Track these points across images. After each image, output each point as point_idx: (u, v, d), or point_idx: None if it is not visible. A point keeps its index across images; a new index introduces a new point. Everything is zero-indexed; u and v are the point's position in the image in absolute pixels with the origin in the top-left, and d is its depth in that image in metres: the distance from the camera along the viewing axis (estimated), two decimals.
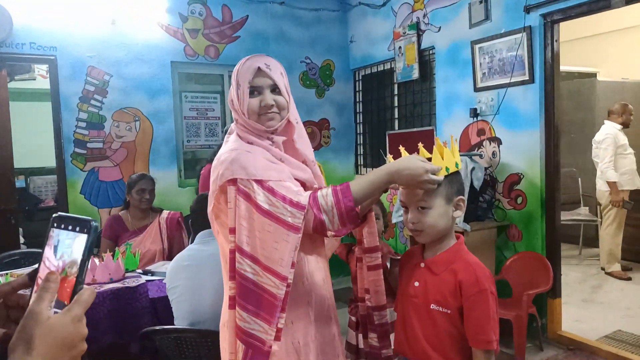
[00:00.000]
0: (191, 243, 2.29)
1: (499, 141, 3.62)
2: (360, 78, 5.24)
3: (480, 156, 3.65)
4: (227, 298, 1.34)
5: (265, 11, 4.73)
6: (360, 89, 5.25)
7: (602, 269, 4.83)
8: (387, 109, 4.91)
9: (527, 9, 3.31)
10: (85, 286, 0.67)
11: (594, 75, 5.99)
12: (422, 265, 1.40)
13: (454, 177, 1.36)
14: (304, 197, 1.28)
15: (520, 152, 3.48)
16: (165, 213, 3.26)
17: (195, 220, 2.21)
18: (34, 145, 5.43)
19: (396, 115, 4.79)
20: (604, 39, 6.01)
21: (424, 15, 4.18)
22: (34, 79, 5.61)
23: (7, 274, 2.58)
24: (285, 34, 4.85)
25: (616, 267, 4.65)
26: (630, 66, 5.91)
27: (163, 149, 4.32)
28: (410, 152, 1.39)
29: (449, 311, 1.31)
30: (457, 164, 1.36)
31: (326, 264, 1.52)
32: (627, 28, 5.73)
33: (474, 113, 3.74)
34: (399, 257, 2.23)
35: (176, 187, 4.37)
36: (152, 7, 4.21)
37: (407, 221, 1.37)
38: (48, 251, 0.67)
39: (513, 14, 3.42)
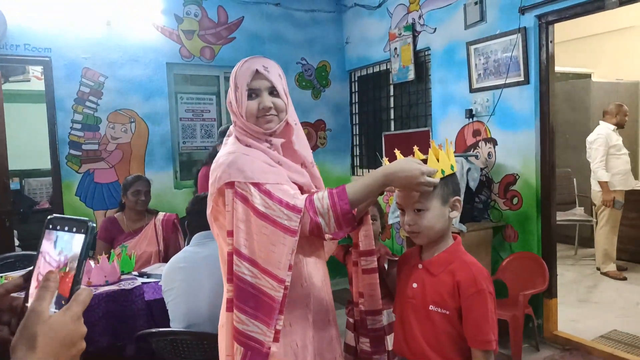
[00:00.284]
0: (187, 245, 2.28)
1: (494, 142, 3.63)
2: (356, 79, 5.24)
3: (476, 157, 3.66)
4: (225, 300, 1.34)
5: (260, 12, 4.73)
6: (356, 90, 5.26)
7: (598, 269, 4.85)
8: (383, 110, 4.92)
9: (522, 10, 3.32)
10: (82, 286, 0.67)
11: (588, 76, 6.03)
12: (420, 266, 1.40)
13: (449, 178, 1.36)
14: (300, 200, 1.28)
15: (516, 152, 3.49)
16: (161, 215, 3.25)
17: (191, 222, 2.21)
18: (28, 147, 5.41)
19: (392, 116, 4.80)
20: (599, 40, 6.04)
21: (420, 17, 4.19)
22: (29, 81, 5.59)
23: (1, 276, 2.57)
24: (281, 35, 4.85)
25: (611, 267, 4.68)
26: (624, 67, 5.94)
27: (159, 151, 4.31)
28: (405, 154, 1.39)
29: (447, 312, 1.31)
30: (452, 167, 1.36)
31: (325, 266, 1.52)
32: (621, 29, 5.76)
33: (470, 114, 3.75)
34: (396, 259, 2.23)
35: (172, 189, 4.36)
36: (148, 8, 4.20)
37: (404, 223, 1.37)
38: (48, 246, 0.67)
39: (508, 15, 3.44)
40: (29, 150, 5.46)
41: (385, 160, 1.42)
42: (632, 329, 3.48)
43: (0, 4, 3.61)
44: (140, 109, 4.23)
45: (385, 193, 1.38)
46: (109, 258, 2.59)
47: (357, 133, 5.29)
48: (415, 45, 4.25)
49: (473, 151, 3.76)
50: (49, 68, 3.89)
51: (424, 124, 4.40)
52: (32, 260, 0.69)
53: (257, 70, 1.37)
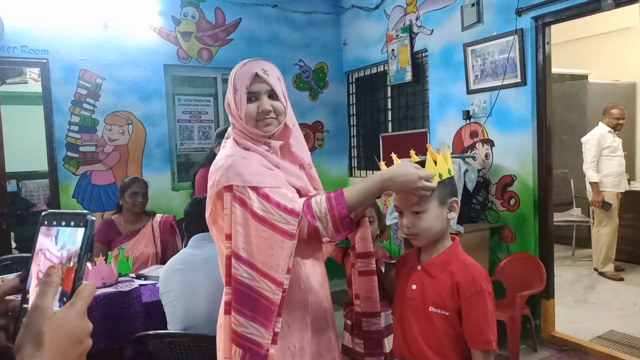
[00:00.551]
0: (184, 247, 2.28)
1: (491, 143, 3.64)
2: (354, 80, 5.25)
3: (473, 158, 3.67)
4: (224, 302, 1.34)
5: (258, 14, 4.73)
6: (354, 91, 5.26)
7: (595, 269, 4.86)
8: (381, 111, 4.92)
9: (519, 12, 3.33)
10: (85, 282, 0.65)
11: (585, 77, 6.05)
12: (419, 268, 1.40)
13: (447, 180, 1.37)
14: (298, 203, 1.29)
15: (513, 153, 3.49)
16: (158, 216, 3.24)
17: (189, 224, 2.21)
18: (25, 149, 5.39)
19: (389, 118, 4.81)
20: (595, 42, 6.07)
21: (417, 18, 4.20)
22: (26, 83, 5.57)
23: None
24: (279, 36, 4.85)
25: (609, 268, 4.68)
26: (621, 68, 5.97)
27: (156, 152, 4.31)
28: (403, 156, 1.40)
29: (447, 313, 1.31)
30: (450, 171, 1.37)
31: (323, 268, 1.52)
32: (618, 30, 5.78)
33: (467, 115, 3.76)
34: (393, 262, 2.23)
35: (169, 191, 4.36)
36: (145, 10, 4.20)
37: (402, 226, 1.38)
38: (48, 243, 0.65)
39: (505, 16, 3.45)
40: (26, 152, 5.44)
41: (382, 164, 1.42)
42: (629, 329, 3.49)
43: None
44: (138, 111, 4.22)
45: (381, 195, 1.39)
46: (106, 260, 2.59)
47: (355, 134, 5.30)
48: (412, 46, 4.26)
49: (470, 152, 3.77)
50: (46, 70, 3.88)
51: (421, 125, 4.40)
52: (29, 263, 0.66)
53: (256, 74, 1.37)
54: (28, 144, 5.32)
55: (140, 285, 2.55)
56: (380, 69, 4.80)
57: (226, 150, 1.41)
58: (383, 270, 1.92)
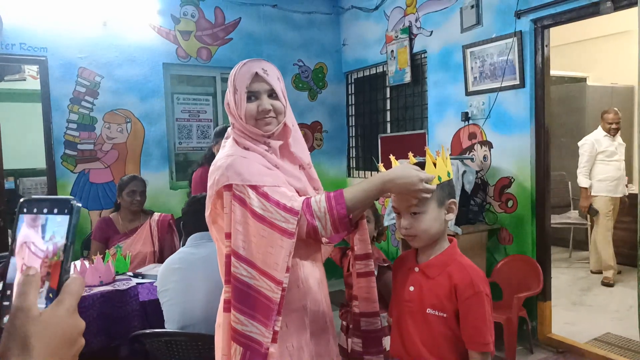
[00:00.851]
0: (182, 246, 2.28)
1: (490, 145, 3.65)
2: (353, 81, 5.25)
3: (472, 160, 3.67)
4: (223, 301, 1.35)
5: (257, 14, 4.73)
6: (353, 92, 5.27)
7: (592, 271, 4.87)
8: (379, 112, 4.93)
9: (518, 14, 3.34)
10: (72, 275, 0.59)
11: (583, 80, 6.06)
12: (417, 269, 1.40)
13: (445, 181, 1.37)
14: (297, 202, 1.29)
15: (511, 155, 3.50)
16: (156, 215, 3.24)
17: (187, 223, 2.21)
18: (23, 146, 5.38)
19: (388, 119, 4.81)
20: (594, 44, 6.08)
21: (416, 20, 4.21)
22: (24, 80, 5.56)
23: None
24: (278, 36, 4.85)
25: (607, 274, 4.64)
26: (619, 71, 5.97)
27: (154, 151, 4.30)
28: (401, 157, 1.40)
29: (445, 315, 1.32)
30: (449, 174, 1.37)
31: (322, 269, 1.52)
32: (616, 33, 5.79)
33: (465, 117, 3.77)
34: (386, 265, 2.23)
35: (167, 189, 4.35)
36: (144, 8, 4.20)
37: (400, 226, 1.38)
38: (33, 235, 0.58)
39: (504, 19, 3.45)
40: (24, 149, 5.43)
41: (380, 165, 1.42)
42: (625, 332, 3.50)
43: None
44: (136, 109, 4.22)
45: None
46: (103, 258, 2.59)
47: (354, 135, 5.30)
48: (411, 47, 4.26)
49: (468, 154, 3.78)
50: (45, 67, 3.87)
51: (420, 126, 4.41)
52: (9, 255, 0.60)
53: (256, 73, 1.38)
54: (26, 142, 5.31)
55: (137, 283, 2.54)
56: (380, 69, 4.80)
57: (226, 149, 1.41)
58: (376, 273, 1.93)
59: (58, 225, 0.58)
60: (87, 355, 2.31)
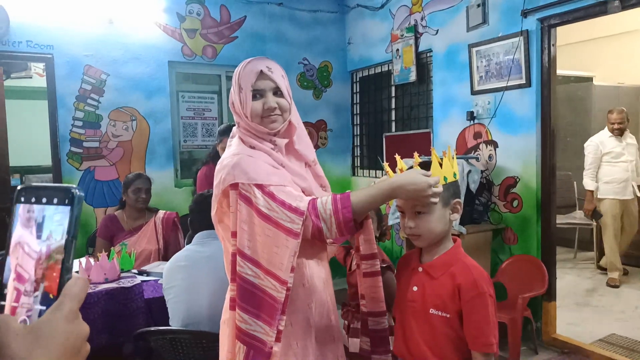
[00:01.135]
0: (187, 244, 2.28)
1: (495, 144, 3.63)
2: (358, 80, 5.24)
3: (477, 159, 3.66)
4: (229, 298, 1.36)
5: (263, 12, 4.73)
6: (358, 90, 5.26)
7: (598, 266, 4.83)
8: (384, 111, 4.92)
9: (525, 13, 3.32)
10: (75, 274, 0.53)
11: (590, 79, 6.02)
12: (420, 269, 1.40)
13: (451, 182, 1.37)
14: (303, 203, 1.29)
15: (517, 155, 3.49)
16: (161, 213, 3.25)
17: (194, 221, 2.20)
18: (29, 143, 5.41)
19: (393, 118, 4.80)
20: (601, 44, 6.05)
21: (422, 18, 4.19)
22: (31, 77, 5.59)
23: None
24: (283, 35, 4.85)
25: (613, 275, 4.61)
26: (626, 71, 5.94)
27: (159, 149, 4.31)
28: (406, 156, 1.39)
29: (448, 315, 1.31)
30: (455, 174, 1.37)
31: (327, 268, 1.52)
32: (623, 33, 5.76)
33: (471, 116, 3.75)
34: (386, 265, 2.23)
35: (172, 187, 4.36)
36: (150, 6, 4.21)
37: (404, 226, 1.37)
38: (28, 235, 0.52)
39: (510, 18, 3.44)
40: (30, 147, 5.46)
41: (386, 164, 1.42)
42: (631, 333, 3.48)
43: (3, 1, 3.61)
44: (142, 107, 4.23)
45: None
46: (108, 256, 2.60)
47: (358, 134, 5.29)
48: (417, 46, 4.25)
49: (474, 153, 3.76)
50: (51, 65, 3.89)
51: (425, 125, 4.40)
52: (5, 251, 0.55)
53: (261, 71, 1.38)
54: (32, 139, 5.34)
55: (142, 281, 2.55)
56: (385, 68, 4.79)
57: (232, 148, 1.41)
58: None
59: (57, 224, 0.52)
60: (92, 352, 2.32)
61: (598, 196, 4.59)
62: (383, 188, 1.29)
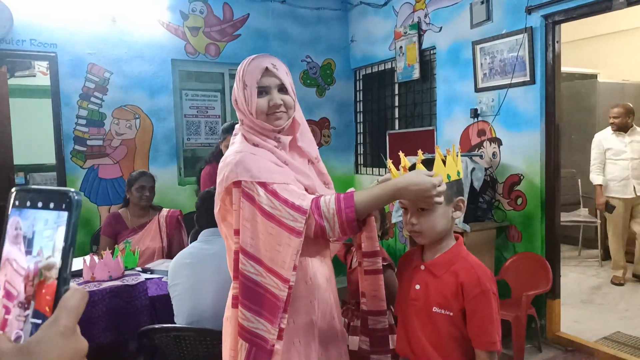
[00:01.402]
0: (190, 241, 2.28)
1: (499, 142, 3.62)
2: (361, 77, 5.23)
3: (481, 157, 3.65)
4: (231, 296, 1.36)
5: (266, 10, 4.73)
6: (361, 88, 5.25)
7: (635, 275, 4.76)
8: (388, 108, 4.91)
9: (529, 10, 3.31)
10: (74, 285, 0.50)
11: (594, 76, 6.00)
12: (422, 267, 1.39)
13: (454, 180, 1.36)
14: (306, 201, 1.29)
15: (521, 153, 3.47)
16: (164, 211, 3.25)
17: (200, 218, 2.20)
18: (33, 142, 5.42)
19: (396, 115, 4.79)
20: (605, 41, 6.01)
21: (425, 15, 4.18)
22: (34, 76, 5.60)
23: None
24: (286, 32, 4.84)
25: (617, 273, 4.59)
26: (630, 68, 5.91)
27: (163, 147, 4.32)
28: (410, 154, 1.39)
29: (451, 313, 1.31)
30: (458, 173, 1.36)
31: (330, 265, 1.52)
32: (628, 30, 5.73)
33: (475, 113, 3.74)
34: (387, 263, 2.22)
35: (176, 185, 4.37)
36: (153, 4, 4.21)
37: (407, 222, 1.37)
38: (14, 250, 0.49)
39: (514, 14, 3.42)
40: (34, 145, 5.47)
41: (389, 162, 1.41)
42: (635, 331, 3.47)
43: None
44: (145, 105, 4.23)
45: None
46: (112, 253, 2.60)
47: (362, 131, 5.28)
48: (420, 44, 4.24)
49: (477, 151, 3.75)
50: (55, 63, 3.90)
51: (428, 123, 4.39)
52: None
53: (266, 68, 1.37)
54: (36, 137, 5.35)
55: (146, 279, 2.56)
56: (388, 66, 4.78)
57: (235, 146, 1.41)
58: None
59: (47, 240, 0.48)
60: (96, 350, 2.33)
61: (604, 193, 4.56)
62: (387, 188, 1.28)
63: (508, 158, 3.57)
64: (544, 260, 3.29)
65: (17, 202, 0.50)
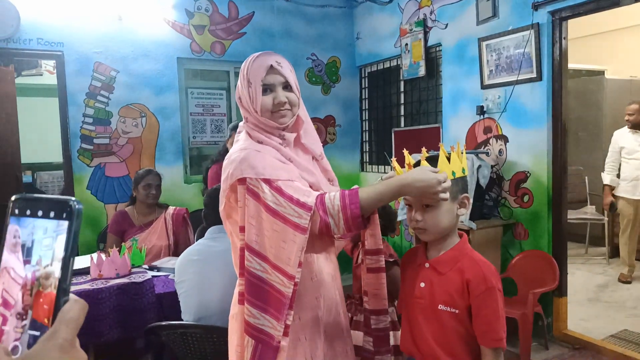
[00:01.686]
0: (196, 239, 2.29)
1: (505, 139, 3.61)
2: (366, 75, 5.22)
3: (487, 154, 3.64)
4: (237, 293, 1.36)
5: (271, 7, 4.73)
6: (366, 85, 5.24)
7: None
8: (393, 106, 4.90)
9: (535, 6, 3.29)
10: (73, 296, 0.48)
11: (602, 73, 5.95)
12: (427, 265, 1.39)
13: (459, 177, 1.36)
14: (311, 198, 1.29)
15: (527, 150, 3.46)
16: (171, 209, 3.27)
17: (208, 215, 2.20)
18: (40, 140, 5.47)
19: (402, 113, 4.78)
20: (613, 37, 5.97)
21: (431, 12, 4.16)
22: (41, 75, 5.64)
23: None
24: (292, 30, 4.84)
25: (624, 270, 4.57)
26: (638, 64, 5.86)
27: (169, 145, 4.34)
28: (415, 152, 1.38)
29: (457, 311, 1.31)
30: (463, 170, 1.36)
31: (335, 261, 1.52)
32: (636, 26, 5.68)
33: (481, 110, 3.73)
34: (393, 260, 2.22)
35: (182, 183, 4.39)
36: (159, 3, 4.22)
37: (411, 219, 1.37)
38: (12, 259, 0.48)
39: (521, 10, 3.40)
40: (41, 143, 5.52)
41: (393, 160, 1.41)
42: None
43: None
44: (151, 104, 4.25)
45: None
46: (119, 251, 2.62)
47: (367, 129, 5.28)
48: (426, 41, 4.22)
49: (484, 148, 3.74)
50: (62, 62, 3.92)
51: (434, 120, 4.37)
52: None
53: (271, 66, 1.37)
54: (43, 136, 5.40)
55: (153, 276, 2.57)
56: (393, 63, 4.77)
57: (240, 143, 1.41)
58: None
59: (46, 249, 0.47)
60: (104, 347, 2.35)
61: (614, 193, 4.51)
62: (392, 185, 1.28)
63: (514, 155, 3.55)
64: (551, 258, 3.27)
65: (16, 211, 0.49)
